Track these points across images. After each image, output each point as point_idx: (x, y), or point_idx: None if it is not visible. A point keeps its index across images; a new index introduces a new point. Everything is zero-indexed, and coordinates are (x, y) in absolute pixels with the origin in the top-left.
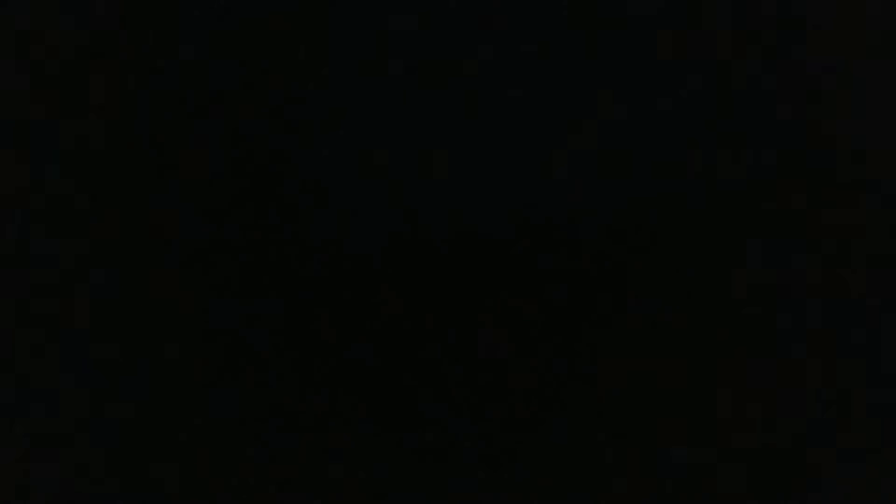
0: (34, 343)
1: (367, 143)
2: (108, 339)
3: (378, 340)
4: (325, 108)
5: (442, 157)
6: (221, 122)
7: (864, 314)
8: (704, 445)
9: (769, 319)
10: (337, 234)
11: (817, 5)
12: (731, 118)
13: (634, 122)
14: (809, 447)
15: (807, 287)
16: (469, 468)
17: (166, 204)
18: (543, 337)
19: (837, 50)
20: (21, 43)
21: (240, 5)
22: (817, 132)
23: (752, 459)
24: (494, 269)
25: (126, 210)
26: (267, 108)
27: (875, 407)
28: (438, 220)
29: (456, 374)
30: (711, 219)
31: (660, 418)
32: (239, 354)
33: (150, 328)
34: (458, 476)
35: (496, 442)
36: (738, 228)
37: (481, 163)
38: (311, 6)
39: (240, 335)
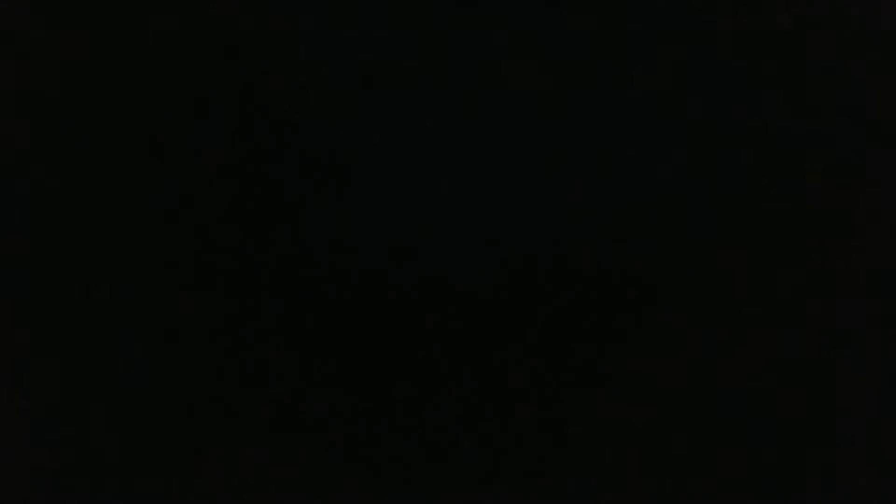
0: (33, 342)
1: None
2: (106, 339)
3: (378, 346)
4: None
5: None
6: (214, 125)
7: (864, 314)
8: (704, 446)
9: (769, 320)
10: (336, 237)
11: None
12: (729, 123)
13: (628, 111)
14: (809, 447)
15: (807, 287)
16: (468, 470)
17: (167, 206)
18: (543, 349)
19: (838, 51)
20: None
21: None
22: (817, 133)
23: (751, 459)
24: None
25: (126, 210)
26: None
27: (875, 407)
28: (440, 223)
29: (455, 378)
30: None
31: (658, 418)
32: (236, 357)
33: (150, 328)
34: (458, 477)
35: (494, 451)
36: (737, 234)
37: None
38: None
39: (238, 337)
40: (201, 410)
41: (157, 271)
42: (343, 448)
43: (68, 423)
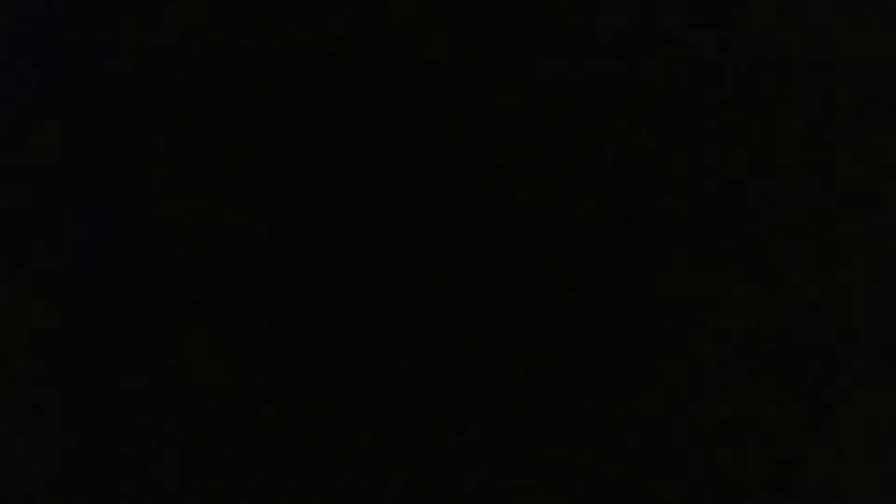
0: (32, 341)
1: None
2: (105, 339)
3: (376, 345)
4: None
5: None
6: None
7: (864, 314)
8: (703, 446)
9: (768, 320)
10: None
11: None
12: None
13: (628, 131)
14: (809, 447)
15: (807, 287)
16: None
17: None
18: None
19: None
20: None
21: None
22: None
23: (752, 459)
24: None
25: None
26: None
27: (875, 407)
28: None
29: (453, 376)
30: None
31: (658, 419)
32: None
33: (151, 327)
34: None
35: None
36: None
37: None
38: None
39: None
40: (200, 409)
41: (157, 269)
42: (342, 450)
43: (66, 423)
